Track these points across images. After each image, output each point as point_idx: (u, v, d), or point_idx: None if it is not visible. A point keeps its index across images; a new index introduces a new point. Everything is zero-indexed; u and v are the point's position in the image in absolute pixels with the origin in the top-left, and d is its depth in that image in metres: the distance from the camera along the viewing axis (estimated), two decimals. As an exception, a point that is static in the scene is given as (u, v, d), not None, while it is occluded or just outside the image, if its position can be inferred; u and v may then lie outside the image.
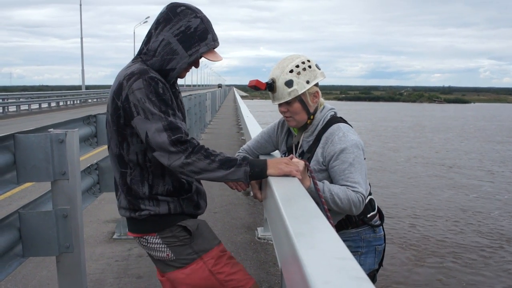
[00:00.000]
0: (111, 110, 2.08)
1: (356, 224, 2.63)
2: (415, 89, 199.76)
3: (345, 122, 2.61)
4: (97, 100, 41.77)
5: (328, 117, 2.59)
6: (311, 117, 2.57)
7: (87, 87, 53.60)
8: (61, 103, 35.75)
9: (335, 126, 2.52)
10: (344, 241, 2.59)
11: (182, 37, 2.04)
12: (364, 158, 2.61)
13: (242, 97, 62.58)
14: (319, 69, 2.54)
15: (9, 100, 29.55)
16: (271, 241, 5.21)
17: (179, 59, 2.06)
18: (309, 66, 2.48)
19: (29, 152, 2.74)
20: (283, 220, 1.38)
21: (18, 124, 18.37)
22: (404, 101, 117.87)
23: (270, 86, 2.50)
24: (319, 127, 2.57)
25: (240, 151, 2.94)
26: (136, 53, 2.22)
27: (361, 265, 2.58)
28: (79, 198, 3.00)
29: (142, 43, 2.16)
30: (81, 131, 3.67)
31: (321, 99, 2.66)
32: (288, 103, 2.51)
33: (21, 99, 30.58)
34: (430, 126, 37.34)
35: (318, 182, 2.30)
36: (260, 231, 5.69)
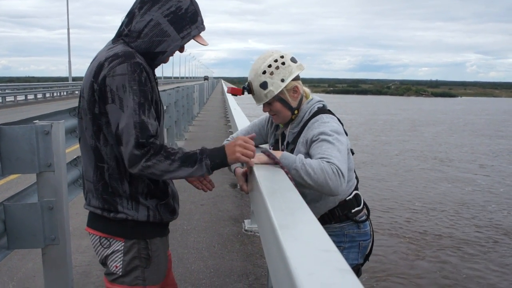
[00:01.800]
0: (88, 96, 1.90)
1: (339, 219, 2.60)
2: (403, 82, 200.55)
3: (332, 114, 2.57)
4: (84, 92, 41.37)
5: (315, 108, 2.56)
6: (295, 111, 2.56)
7: (74, 79, 53.10)
8: (47, 95, 35.40)
9: (318, 116, 2.49)
10: None
11: (173, 18, 1.91)
12: (353, 153, 2.61)
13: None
14: (296, 62, 2.49)
15: (-5, 92, 29.25)
16: (258, 233, 5.23)
17: (171, 41, 1.93)
18: (283, 63, 2.43)
19: (14, 144, 2.71)
20: (268, 212, 1.38)
21: (3, 116, 18.18)
22: (391, 94, 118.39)
23: (248, 90, 2.50)
24: (305, 118, 2.54)
25: (229, 139, 2.88)
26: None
27: None
28: (65, 190, 2.98)
29: (122, 24, 1.99)
30: (67, 122, 3.64)
31: (307, 91, 2.64)
32: (268, 103, 2.50)
33: (6, 91, 30.20)
34: (420, 119, 37.54)
35: (288, 154, 2.26)
36: (247, 223, 5.71)
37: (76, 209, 6.09)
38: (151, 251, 2.03)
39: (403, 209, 10.53)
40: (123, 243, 2.00)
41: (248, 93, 2.52)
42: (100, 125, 1.90)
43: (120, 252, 2.00)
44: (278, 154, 2.25)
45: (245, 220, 5.86)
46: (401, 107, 56.49)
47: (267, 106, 2.52)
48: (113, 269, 2.02)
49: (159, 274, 2.10)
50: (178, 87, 14.50)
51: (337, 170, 2.14)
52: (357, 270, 2.68)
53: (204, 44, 2.05)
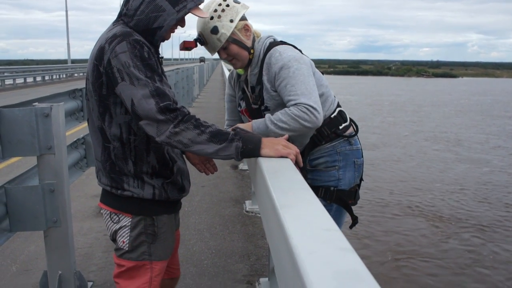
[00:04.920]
0: (92, 78, 1.91)
1: (329, 138, 2.61)
2: (403, 63, 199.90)
3: (284, 43, 2.58)
4: (83, 74, 41.20)
5: (267, 44, 2.56)
6: (251, 50, 2.55)
7: (73, 61, 52.93)
8: (46, 77, 35.28)
9: (271, 50, 2.49)
10: (320, 157, 2.66)
11: None
12: (323, 74, 2.62)
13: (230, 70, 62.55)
14: (238, 2, 2.49)
15: (-6, 75, 29.18)
16: (259, 214, 5.24)
17: (166, 15, 1.92)
18: (227, 5, 2.43)
19: (14, 127, 2.71)
20: (269, 192, 1.38)
21: (3, 99, 18.15)
22: (392, 75, 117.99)
23: (200, 41, 2.47)
24: (261, 56, 2.54)
25: (226, 126, 2.87)
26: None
27: (340, 179, 2.62)
28: (66, 173, 2.99)
29: (122, 4, 2.00)
30: (67, 105, 3.64)
31: (257, 31, 2.64)
32: (224, 48, 2.48)
33: (5, 74, 30.13)
34: (425, 100, 37.43)
35: (256, 121, 2.34)
36: (248, 204, 5.73)
37: (77, 192, 6.12)
38: (157, 227, 2.06)
39: (425, 190, 10.48)
40: (130, 219, 2.03)
41: (201, 44, 2.49)
42: (106, 106, 1.92)
43: (127, 228, 2.04)
44: (248, 127, 2.29)
45: (246, 201, 5.88)
46: (404, 88, 56.29)
47: (223, 52, 2.51)
48: (121, 244, 2.06)
49: (166, 250, 2.12)
50: (177, 68, 14.45)
51: (306, 108, 2.23)
52: (354, 191, 2.69)
53: (203, 16, 2.05)
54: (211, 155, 1.86)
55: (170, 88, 1.94)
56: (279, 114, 2.28)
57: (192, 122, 1.81)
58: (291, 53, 2.43)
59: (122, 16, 1.99)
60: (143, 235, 2.04)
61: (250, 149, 1.86)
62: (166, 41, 2.10)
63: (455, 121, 23.90)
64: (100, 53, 1.87)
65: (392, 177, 11.53)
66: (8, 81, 29.19)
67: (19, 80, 30.17)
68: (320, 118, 2.27)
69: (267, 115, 2.35)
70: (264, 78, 2.50)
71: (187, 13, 1.97)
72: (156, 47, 2.05)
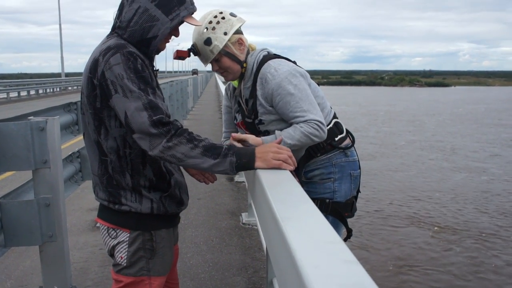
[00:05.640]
0: (87, 91, 1.90)
1: (324, 150, 2.60)
2: (396, 73, 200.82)
3: (278, 57, 2.57)
4: (77, 88, 41.16)
5: (261, 57, 2.55)
6: (244, 64, 2.54)
7: (67, 74, 52.90)
8: (40, 91, 35.25)
9: (265, 64, 2.49)
10: (315, 169, 2.65)
11: (160, 2, 1.90)
12: (320, 85, 2.63)
13: (224, 82, 62.83)
14: (235, 16, 2.49)
15: (-13, 89, 29.15)
16: (256, 226, 5.22)
17: (160, 25, 1.91)
18: (223, 18, 2.43)
19: (9, 141, 2.69)
20: (269, 205, 1.37)
21: (-3, 113, 18.09)
22: (385, 85, 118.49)
23: (194, 51, 2.47)
24: (254, 70, 2.53)
25: (223, 139, 2.85)
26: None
27: (336, 191, 2.60)
28: (61, 187, 2.96)
29: (115, 17, 2.00)
30: (62, 118, 3.62)
31: (252, 45, 2.64)
32: (216, 60, 2.48)
33: (-1, 87, 30.14)
34: (420, 109, 37.55)
35: (266, 138, 2.33)
36: (244, 217, 5.70)
37: (72, 206, 6.08)
38: (156, 242, 2.03)
39: (424, 199, 10.48)
40: (128, 234, 2.00)
41: (195, 55, 2.49)
42: (101, 119, 1.91)
43: (125, 243, 2.01)
44: (258, 142, 2.26)
45: (242, 214, 5.85)
46: (398, 98, 56.51)
47: (216, 64, 2.51)
48: (119, 259, 2.02)
49: (165, 265, 2.09)
50: (172, 81, 14.46)
51: (316, 124, 2.31)
52: (351, 204, 2.67)
53: (196, 24, 2.04)
54: (206, 170, 1.86)
55: (164, 101, 1.94)
56: (290, 131, 2.33)
57: (185, 136, 1.81)
58: (286, 68, 2.43)
59: (116, 29, 1.98)
60: (141, 251, 2.01)
61: (245, 163, 1.85)
62: (161, 52, 2.09)
63: (450, 130, 23.97)
64: (94, 65, 1.86)
65: (390, 187, 11.54)
66: (2, 95, 29.15)
67: (13, 94, 30.12)
68: (326, 132, 2.36)
69: (277, 132, 2.37)
70: (258, 92, 2.49)
71: (181, 21, 1.97)
72: (151, 59, 2.04)
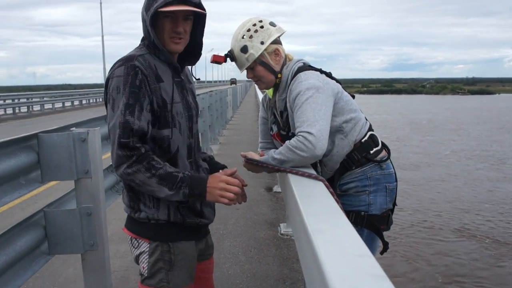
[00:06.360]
0: (105, 98, 2.03)
1: (360, 163, 2.58)
2: (438, 80, 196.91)
3: (313, 69, 2.56)
4: (120, 98, 42.04)
5: (295, 69, 2.54)
6: (279, 75, 2.54)
7: (110, 86, 53.89)
8: (84, 102, 36.22)
9: (296, 76, 2.48)
10: (350, 182, 2.63)
11: (145, 5, 1.96)
12: (353, 97, 2.60)
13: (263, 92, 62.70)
14: (274, 25, 2.49)
15: (33, 100, 30.13)
16: (294, 237, 5.20)
17: (145, 23, 1.98)
18: (261, 27, 2.44)
19: (53, 151, 2.78)
20: (301, 217, 1.38)
21: (42, 123, 18.63)
22: (426, 93, 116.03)
23: (230, 57, 2.50)
24: (289, 82, 2.52)
25: (259, 150, 2.85)
26: None
27: (371, 204, 2.57)
28: (102, 196, 3.03)
29: None
30: (102, 129, 3.70)
31: (290, 55, 2.63)
32: (251, 68, 2.50)
33: (45, 98, 31.09)
34: (464, 118, 36.51)
35: (262, 158, 2.35)
36: (282, 227, 5.69)
37: (113, 215, 6.18)
38: (174, 254, 2.05)
39: (473, 211, 10.13)
40: (148, 245, 2.06)
41: (231, 60, 2.53)
42: None
43: (146, 254, 2.06)
44: (255, 158, 2.35)
45: (280, 224, 5.84)
46: (441, 106, 55.19)
47: (250, 71, 2.53)
48: (141, 269, 2.09)
49: (185, 277, 2.10)
50: (211, 91, 14.60)
51: (303, 137, 2.19)
52: (387, 216, 2.64)
53: (173, 9, 1.90)
54: (163, 199, 1.94)
55: (149, 122, 1.93)
56: (281, 147, 2.31)
57: (144, 165, 1.86)
58: (312, 81, 2.40)
59: (144, 38, 2.08)
60: (161, 262, 2.04)
61: (197, 194, 1.92)
62: (177, 53, 2.06)
63: (497, 139, 23.12)
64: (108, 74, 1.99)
65: (437, 197, 11.24)
66: (48, 106, 30.06)
67: (58, 105, 31.03)
68: (320, 147, 2.20)
69: (270, 151, 2.37)
70: (288, 104, 2.50)
71: (156, 12, 1.91)
72: (176, 68, 2.05)
